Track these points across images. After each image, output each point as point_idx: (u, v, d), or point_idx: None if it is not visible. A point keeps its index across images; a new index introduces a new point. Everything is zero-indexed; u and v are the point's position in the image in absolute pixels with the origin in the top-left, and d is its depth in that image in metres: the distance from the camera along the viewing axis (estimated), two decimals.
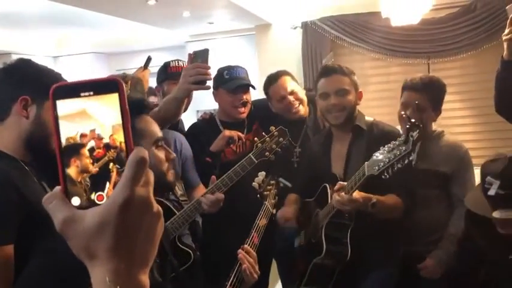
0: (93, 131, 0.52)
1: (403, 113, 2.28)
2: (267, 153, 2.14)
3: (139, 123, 1.50)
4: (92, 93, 0.52)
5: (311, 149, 2.37)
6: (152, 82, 2.73)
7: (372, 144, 1.94)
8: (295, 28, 4.69)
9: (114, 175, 0.52)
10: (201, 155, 2.43)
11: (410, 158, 1.73)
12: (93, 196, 0.52)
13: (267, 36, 4.90)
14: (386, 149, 1.80)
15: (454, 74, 4.25)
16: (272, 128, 2.19)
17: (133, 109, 1.43)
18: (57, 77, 1.46)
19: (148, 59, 2.53)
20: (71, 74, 1.59)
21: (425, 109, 2.27)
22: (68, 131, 0.52)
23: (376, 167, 1.79)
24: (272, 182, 2.09)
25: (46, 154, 1.35)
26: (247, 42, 5.10)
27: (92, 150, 0.52)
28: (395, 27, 3.84)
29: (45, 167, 1.39)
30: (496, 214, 1.58)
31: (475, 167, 2.27)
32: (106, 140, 0.52)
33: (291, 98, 2.53)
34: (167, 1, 3.76)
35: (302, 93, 2.61)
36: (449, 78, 3.60)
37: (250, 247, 1.77)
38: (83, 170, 0.52)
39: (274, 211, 2.04)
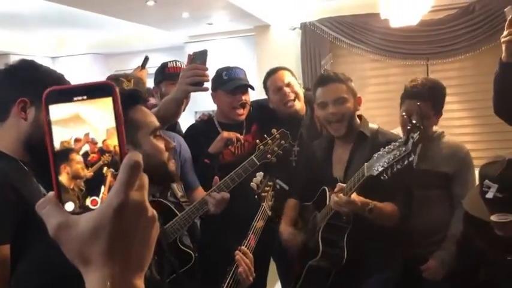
0: (87, 135, 0.52)
1: (404, 113, 2.28)
2: (268, 156, 2.16)
3: (134, 113, 1.44)
4: (85, 97, 0.52)
5: (312, 152, 2.35)
6: (149, 83, 2.72)
7: (376, 151, 1.89)
8: (294, 29, 4.68)
9: (108, 179, 0.52)
10: (199, 156, 2.42)
11: (411, 159, 1.72)
12: (88, 201, 0.51)
13: (266, 37, 4.89)
14: (386, 150, 1.79)
15: (453, 76, 4.25)
16: (274, 130, 2.20)
17: (128, 100, 1.42)
18: (58, 79, 1.45)
19: (146, 59, 2.53)
20: (70, 75, 1.57)
21: (429, 116, 2.28)
22: (62, 136, 0.52)
23: (376, 168, 1.78)
24: (270, 183, 2.09)
25: (45, 156, 1.34)
26: (246, 43, 5.10)
27: (86, 154, 0.52)
28: (394, 29, 3.83)
29: (43, 168, 1.39)
30: (494, 217, 1.58)
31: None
32: (100, 145, 0.52)
33: (286, 89, 2.53)
34: (166, 2, 3.76)
35: (299, 88, 2.61)
36: (448, 80, 3.60)
37: (247, 249, 1.76)
38: (74, 176, 0.52)
39: (270, 213, 2.04)
